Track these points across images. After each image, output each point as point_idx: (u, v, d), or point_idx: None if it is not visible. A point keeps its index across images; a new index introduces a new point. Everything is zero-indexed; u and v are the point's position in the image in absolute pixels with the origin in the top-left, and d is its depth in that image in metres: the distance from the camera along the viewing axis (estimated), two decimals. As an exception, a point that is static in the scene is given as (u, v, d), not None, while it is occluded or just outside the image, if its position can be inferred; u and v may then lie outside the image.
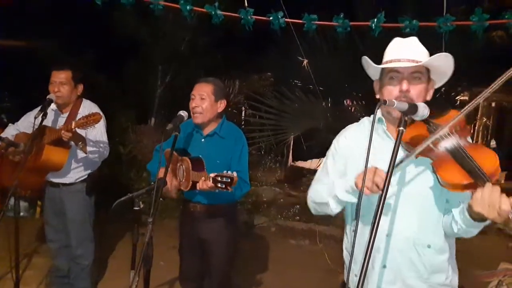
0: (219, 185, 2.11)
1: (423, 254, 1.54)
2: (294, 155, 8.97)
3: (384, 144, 1.58)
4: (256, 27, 3.13)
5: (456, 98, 5.80)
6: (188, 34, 7.72)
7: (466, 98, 6.46)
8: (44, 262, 3.75)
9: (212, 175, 2.15)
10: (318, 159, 5.65)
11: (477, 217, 1.34)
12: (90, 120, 2.55)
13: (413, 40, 1.61)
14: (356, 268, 1.61)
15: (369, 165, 1.38)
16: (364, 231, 1.57)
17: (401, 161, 1.43)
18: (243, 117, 8.35)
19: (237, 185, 2.15)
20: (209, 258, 2.59)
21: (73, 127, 2.58)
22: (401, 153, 1.43)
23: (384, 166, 1.36)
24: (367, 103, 4.54)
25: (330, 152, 1.79)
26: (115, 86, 7.78)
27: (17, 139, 2.97)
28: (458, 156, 1.33)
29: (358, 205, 1.36)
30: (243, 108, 8.34)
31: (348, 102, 5.05)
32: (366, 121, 1.75)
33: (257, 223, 5.61)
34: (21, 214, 4.88)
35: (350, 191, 1.54)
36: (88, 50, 7.51)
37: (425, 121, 1.47)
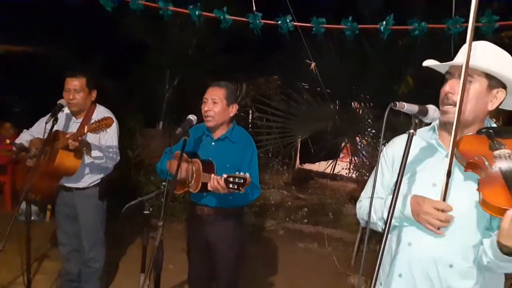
0: (231, 185, 2.11)
1: (442, 273, 1.42)
2: (301, 157, 8.95)
3: (436, 155, 1.50)
4: (263, 31, 3.13)
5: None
6: (196, 38, 7.76)
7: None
8: (54, 266, 3.77)
9: (224, 175, 2.16)
10: (326, 162, 5.62)
11: (507, 250, 1.22)
12: (102, 125, 2.56)
13: (482, 44, 1.45)
14: (383, 276, 1.56)
15: (422, 176, 1.43)
16: (397, 238, 1.53)
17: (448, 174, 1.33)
18: (250, 120, 8.35)
19: (248, 190, 2.15)
20: (216, 261, 2.59)
21: (86, 132, 2.59)
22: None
23: (434, 178, 1.41)
24: (375, 105, 4.52)
25: (381, 163, 1.66)
26: (124, 90, 7.83)
27: (32, 145, 2.99)
28: (510, 179, 1.20)
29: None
30: (250, 111, 8.34)
31: (355, 105, 5.02)
32: (421, 131, 1.59)
33: (265, 226, 5.60)
34: (32, 218, 4.91)
35: (400, 218, 1.47)
36: (98, 55, 7.58)
37: (490, 137, 1.34)
